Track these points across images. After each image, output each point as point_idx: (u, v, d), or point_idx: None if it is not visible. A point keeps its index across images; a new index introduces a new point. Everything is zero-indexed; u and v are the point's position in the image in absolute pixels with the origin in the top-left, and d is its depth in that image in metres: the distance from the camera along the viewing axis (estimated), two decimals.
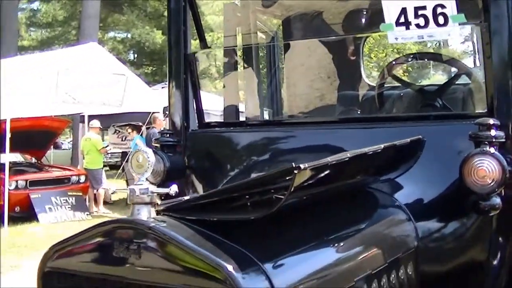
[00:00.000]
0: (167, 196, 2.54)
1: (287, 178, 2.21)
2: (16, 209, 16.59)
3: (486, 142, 3.06)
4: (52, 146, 24.83)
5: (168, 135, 4.02)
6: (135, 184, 2.37)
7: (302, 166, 2.16)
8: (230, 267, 2.12)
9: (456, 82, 4.27)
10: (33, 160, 20.16)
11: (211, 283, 2.13)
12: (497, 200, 3.06)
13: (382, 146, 2.76)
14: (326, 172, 2.49)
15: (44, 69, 17.81)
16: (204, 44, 4.34)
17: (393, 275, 2.94)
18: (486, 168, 3.00)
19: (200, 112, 4.20)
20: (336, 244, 2.80)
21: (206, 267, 2.14)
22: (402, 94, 4.47)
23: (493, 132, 3.07)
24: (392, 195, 3.33)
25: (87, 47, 19.62)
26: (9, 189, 16.17)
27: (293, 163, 2.14)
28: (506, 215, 3.15)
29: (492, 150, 3.04)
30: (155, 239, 2.23)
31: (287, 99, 5.01)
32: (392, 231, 3.23)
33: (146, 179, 2.40)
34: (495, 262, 3.24)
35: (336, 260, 2.72)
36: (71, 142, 32.28)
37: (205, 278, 2.14)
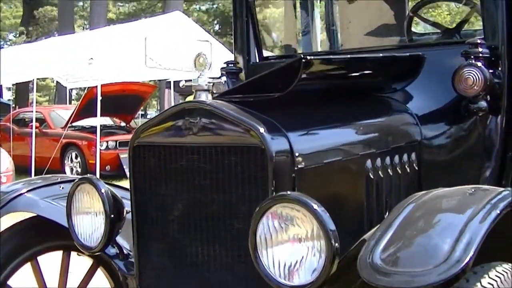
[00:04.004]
0: None
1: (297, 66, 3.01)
2: (106, 167, 17.80)
3: (473, 57, 3.76)
4: (140, 114, 25.90)
5: (232, 65, 4.92)
6: (198, 77, 3.28)
7: (308, 57, 3.00)
8: (262, 130, 2.95)
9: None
10: (122, 124, 21.35)
11: (249, 139, 2.97)
12: (483, 104, 3.77)
13: (381, 54, 3.56)
14: (334, 67, 3.35)
15: (131, 37, 18.76)
16: None
17: (396, 160, 3.71)
18: (473, 76, 3.69)
19: (259, 48, 5.01)
20: (346, 127, 3.62)
21: (244, 129, 2.99)
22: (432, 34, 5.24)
23: (479, 49, 3.76)
24: (399, 100, 4.04)
25: (172, 16, 20.38)
26: (100, 149, 17.36)
27: (301, 55, 3.00)
28: (492, 116, 3.86)
29: (479, 63, 3.72)
30: (210, 113, 3.08)
31: (341, 35, 5.76)
32: (399, 126, 3.95)
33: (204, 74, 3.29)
34: (487, 155, 3.92)
35: (344, 137, 3.54)
36: (158, 111, 33.37)
37: (243, 136, 2.99)
